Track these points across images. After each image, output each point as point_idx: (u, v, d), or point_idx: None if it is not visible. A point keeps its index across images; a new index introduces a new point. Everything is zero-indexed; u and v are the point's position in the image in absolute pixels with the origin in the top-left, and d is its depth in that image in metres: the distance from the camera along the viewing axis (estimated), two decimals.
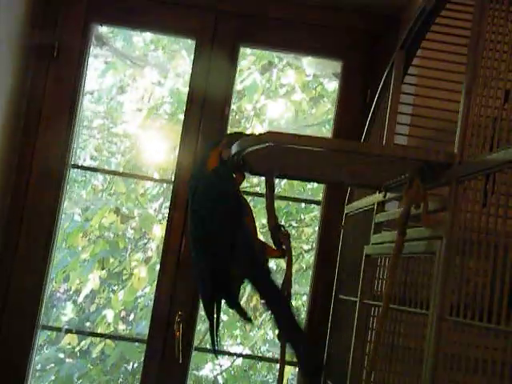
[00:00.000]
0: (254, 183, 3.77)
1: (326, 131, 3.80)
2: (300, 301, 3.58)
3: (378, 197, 1.52)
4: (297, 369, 2.30)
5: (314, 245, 4.20)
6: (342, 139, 1.93)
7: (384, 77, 1.61)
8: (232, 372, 4.02)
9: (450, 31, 1.41)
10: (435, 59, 1.46)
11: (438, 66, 1.45)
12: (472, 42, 1.09)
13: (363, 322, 1.46)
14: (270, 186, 1.48)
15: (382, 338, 1.21)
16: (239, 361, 3.99)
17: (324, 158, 1.28)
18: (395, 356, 1.21)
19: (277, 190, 4.18)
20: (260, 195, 3.71)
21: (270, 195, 1.47)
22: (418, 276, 1.19)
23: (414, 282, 1.20)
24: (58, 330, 3.44)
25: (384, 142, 1.48)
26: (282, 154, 1.27)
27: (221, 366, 4.05)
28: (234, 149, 1.27)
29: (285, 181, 3.72)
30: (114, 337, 3.73)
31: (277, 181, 4.20)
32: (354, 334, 1.47)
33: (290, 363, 2.34)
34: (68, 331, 3.22)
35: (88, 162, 4.10)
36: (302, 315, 2.86)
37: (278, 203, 3.87)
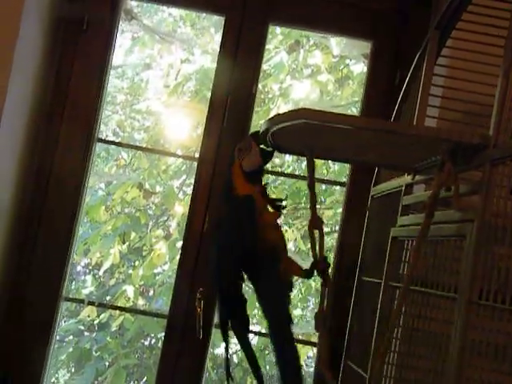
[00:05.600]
0: (276, 163, 3.76)
1: (352, 113, 3.76)
2: (318, 283, 3.58)
3: (406, 179, 1.50)
4: (315, 349, 2.30)
5: (334, 228, 4.22)
6: (376, 119, 1.90)
7: (417, 57, 1.59)
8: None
9: (487, 12, 1.38)
10: (469, 41, 1.43)
11: (472, 47, 1.43)
12: None
13: (387, 304, 1.45)
14: (311, 166, 1.43)
15: (400, 319, 1.21)
16: (255, 340, 4.01)
17: (355, 138, 1.26)
18: (420, 340, 1.21)
19: (298, 171, 4.17)
20: (281, 174, 3.72)
21: (311, 175, 1.44)
22: (447, 260, 1.18)
23: (442, 266, 1.19)
24: (81, 301, 3.47)
25: (414, 123, 1.46)
26: (312, 134, 1.26)
27: (236, 345, 4.07)
28: (265, 125, 1.26)
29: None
30: (135, 311, 3.76)
31: (298, 161, 4.20)
32: (377, 316, 1.46)
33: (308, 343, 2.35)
34: (90, 303, 3.24)
35: (110, 138, 4.11)
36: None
37: (299, 184, 3.85)
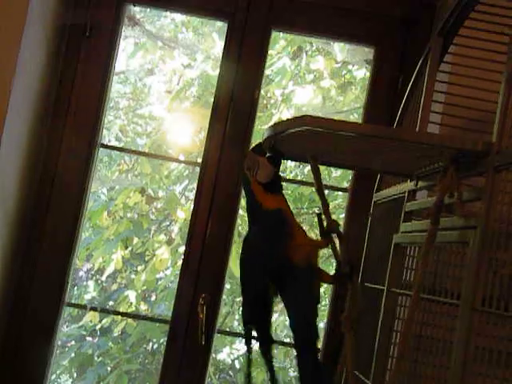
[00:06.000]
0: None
1: (354, 119, 3.77)
2: (322, 288, 3.58)
3: (409, 185, 1.50)
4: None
5: None
6: (380, 126, 1.90)
7: (419, 64, 1.59)
8: (250, 357, 4.02)
9: (490, 19, 1.39)
10: (472, 47, 1.44)
11: (475, 54, 1.43)
12: None
13: (390, 311, 1.44)
14: (316, 172, 1.43)
15: (413, 327, 1.21)
16: (257, 346, 4.00)
17: (357, 144, 1.27)
18: (423, 346, 1.20)
19: (301, 177, 4.17)
20: (283, 180, 3.72)
21: (317, 180, 1.44)
22: (449, 266, 1.18)
23: (444, 273, 1.19)
24: (83, 307, 3.47)
25: (417, 129, 1.46)
26: (315, 140, 1.26)
27: (238, 351, 4.07)
28: (269, 132, 1.26)
29: (309, 167, 3.70)
30: (137, 316, 3.76)
31: (300, 167, 4.21)
32: (380, 323, 1.46)
33: None
34: (92, 309, 3.25)
35: (113, 143, 4.12)
36: (325, 302, 2.86)
37: (301, 189, 3.85)
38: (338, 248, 1.44)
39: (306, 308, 1.43)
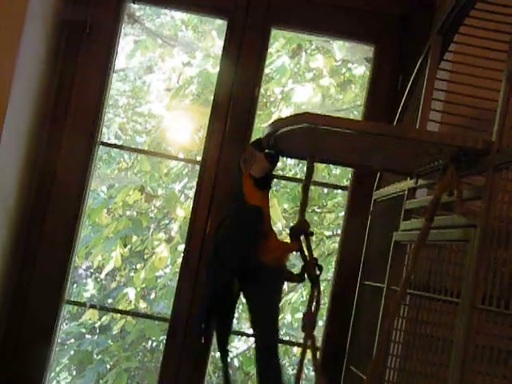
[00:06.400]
0: (278, 167, 3.75)
1: (354, 117, 3.77)
2: (321, 286, 3.58)
3: (408, 183, 1.50)
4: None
5: (336, 231, 4.22)
6: (380, 123, 1.91)
7: (419, 62, 1.59)
8: (248, 355, 4.03)
9: (489, 17, 1.39)
10: (472, 45, 1.44)
11: (475, 52, 1.43)
12: None
13: (390, 309, 1.44)
14: (310, 170, 1.43)
15: (396, 322, 1.21)
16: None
17: (357, 141, 1.27)
18: (423, 345, 1.21)
19: (300, 175, 4.17)
20: (282, 178, 3.72)
21: (307, 178, 1.44)
22: (449, 264, 1.18)
23: (444, 271, 1.19)
24: (83, 305, 3.47)
25: (417, 127, 1.46)
26: (315, 137, 1.26)
27: (237, 349, 4.07)
28: (268, 129, 1.26)
29: None
30: (136, 314, 3.76)
31: (300, 165, 4.20)
32: (379, 321, 1.46)
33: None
34: (92, 306, 3.25)
35: (112, 141, 4.12)
36: (325, 300, 2.85)
37: (300, 188, 3.84)
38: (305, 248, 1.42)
39: (270, 310, 1.43)
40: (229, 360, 1.51)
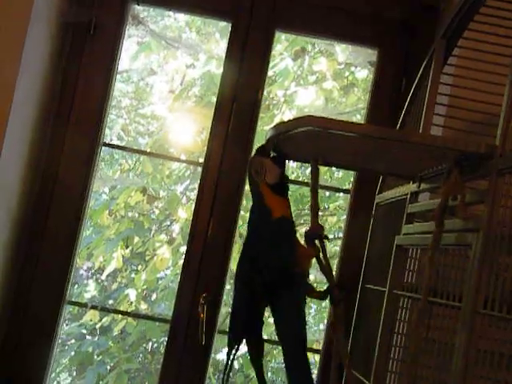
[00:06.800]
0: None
1: (356, 121, 3.77)
2: (322, 289, 3.57)
3: (411, 187, 1.50)
4: (317, 357, 2.30)
5: (337, 234, 4.21)
6: (383, 127, 1.91)
7: (423, 66, 1.59)
8: (249, 357, 4.02)
9: (494, 21, 1.39)
10: (476, 50, 1.44)
11: (479, 56, 1.43)
12: None
13: (391, 313, 1.44)
14: (315, 173, 1.40)
15: (398, 326, 1.20)
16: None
17: (359, 145, 1.27)
18: (425, 349, 1.20)
19: (302, 178, 4.17)
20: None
21: (314, 181, 1.41)
22: (451, 269, 1.18)
23: (446, 275, 1.19)
24: (84, 305, 3.47)
25: (420, 131, 1.46)
26: (318, 141, 1.26)
27: (238, 351, 4.05)
28: (271, 132, 1.26)
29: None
30: (137, 315, 3.76)
31: (302, 168, 4.20)
32: (381, 325, 1.46)
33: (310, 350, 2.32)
34: (93, 307, 3.25)
35: (115, 142, 4.12)
36: (326, 303, 2.85)
37: (302, 191, 3.85)
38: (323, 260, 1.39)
39: (299, 317, 1.41)
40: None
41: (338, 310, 1.40)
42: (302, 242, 1.42)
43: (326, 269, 1.40)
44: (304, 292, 1.41)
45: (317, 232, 1.40)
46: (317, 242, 1.40)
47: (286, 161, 1.46)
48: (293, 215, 1.47)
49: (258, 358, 1.48)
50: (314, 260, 1.41)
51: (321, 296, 1.45)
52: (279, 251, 1.39)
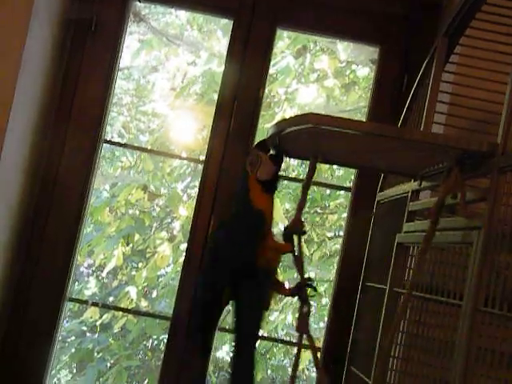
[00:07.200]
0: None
1: (358, 118, 3.76)
2: (322, 287, 3.59)
3: (412, 185, 1.50)
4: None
5: (338, 232, 4.21)
6: (385, 124, 1.91)
7: (424, 64, 1.59)
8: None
9: (496, 19, 1.38)
10: (478, 48, 1.43)
11: (480, 55, 1.43)
12: None
13: (392, 310, 1.44)
14: (311, 171, 1.42)
15: (403, 325, 1.21)
16: (256, 344, 3.99)
17: (361, 143, 1.27)
18: (424, 347, 1.20)
19: (303, 176, 4.15)
20: (285, 178, 3.72)
21: (308, 178, 1.42)
22: (452, 267, 1.18)
23: (447, 273, 1.19)
24: (85, 302, 3.48)
25: (422, 129, 1.46)
26: (319, 138, 1.26)
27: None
28: (273, 130, 1.26)
29: None
30: (137, 312, 3.76)
31: (303, 166, 4.20)
32: (381, 322, 1.46)
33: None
34: (93, 304, 3.25)
35: (115, 139, 4.12)
36: (326, 301, 2.86)
37: None
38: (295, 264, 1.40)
39: (258, 312, 1.42)
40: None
41: (306, 307, 1.40)
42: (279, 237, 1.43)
43: (298, 265, 1.40)
44: (267, 288, 1.42)
45: (297, 227, 1.40)
46: (295, 237, 1.40)
47: (283, 162, 1.46)
48: (289, 212, 1.48)
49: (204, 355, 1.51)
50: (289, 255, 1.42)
51: (290, 293, 1.45)
52: (246, 242, 1.41)
